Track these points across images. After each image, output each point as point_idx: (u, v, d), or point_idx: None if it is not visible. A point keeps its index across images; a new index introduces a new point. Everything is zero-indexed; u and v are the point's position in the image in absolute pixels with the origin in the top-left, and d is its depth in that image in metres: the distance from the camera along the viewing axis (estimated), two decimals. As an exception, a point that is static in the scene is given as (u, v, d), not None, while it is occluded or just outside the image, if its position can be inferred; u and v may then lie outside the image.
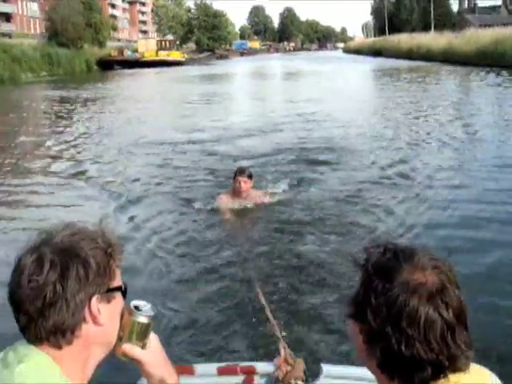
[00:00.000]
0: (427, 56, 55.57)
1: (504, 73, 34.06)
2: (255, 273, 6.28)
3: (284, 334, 3.42)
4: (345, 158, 12.82)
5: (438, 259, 1.49)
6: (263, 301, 3.66)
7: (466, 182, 10.44)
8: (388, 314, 1.42)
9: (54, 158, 15.03)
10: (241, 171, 8.81)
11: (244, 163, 11.79)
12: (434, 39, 60.93)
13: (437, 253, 1.52)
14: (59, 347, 1.52)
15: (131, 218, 8.97)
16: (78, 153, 15.65)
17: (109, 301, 1.58)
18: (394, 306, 1.41)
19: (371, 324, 1.44)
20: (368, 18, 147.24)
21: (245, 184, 8.62)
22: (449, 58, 49.14)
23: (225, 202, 8.84)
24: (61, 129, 20.46)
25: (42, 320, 1.49)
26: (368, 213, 8.55)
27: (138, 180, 11.78)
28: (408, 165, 11.87)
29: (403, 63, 54.55)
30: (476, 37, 48.60)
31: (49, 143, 17.24)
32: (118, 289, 1.62)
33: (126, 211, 9.42)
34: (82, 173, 12.94)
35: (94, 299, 1.54)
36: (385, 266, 1.46)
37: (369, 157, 12.75)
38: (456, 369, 1.42)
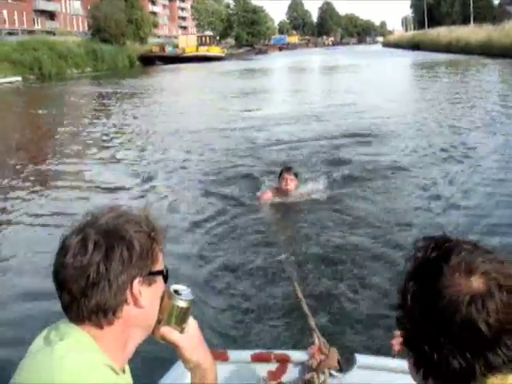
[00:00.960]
0: (466, 49, 55.47)
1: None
2: (294, 267, 6.30)
3: (318, 325, 3.37)
4: (387, 153, 12.66)
5: (491, 261, 1.34)
6: (299, 293, 3.64)
7: None
8: (421, 319, 1.35)
9: (102, 146, 15.88)
10: (287, 169, 8.85)
11: (284, 157, 12.19)
12: (472, 32, 60.62)
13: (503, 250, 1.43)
14: (100, 327, 1.55)
15: (174, 208, 9.17)
16: (122, 141, 16.56)
17: (150, 284, 1.60)
18: (427, 311, 1.34)
19: (406, 326, 1.41)
20: (408, 11, 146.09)
21: (291, 182, 8.68)
22: (487, 50, 49.06)
23: (269, 197, 8.83)
24: (111, 119, 21.51)
25: (84, 299, 1.52)
26: (418, 210, 8.39)
27: (179, 169, 12.13)
28: (457, 163, 11.48)
29: (441, 56, 54.53)
30: (515, 29, 48.52)
31: (99, 132, 18.22)
32: (160, 273, 1.63)
33: (168, 200, 9.65)
34: (124, 160, 13.53)
35: (135, 281, 1.56)
36: (425, 268, 1.38)
37: (414, 154, 12.51)
38: (498, 372, 1.32)
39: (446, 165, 11.27)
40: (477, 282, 1.30)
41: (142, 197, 10.01)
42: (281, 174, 8.78)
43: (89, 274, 1.51)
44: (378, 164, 11.36)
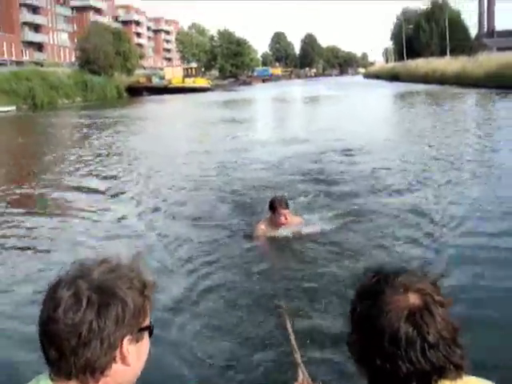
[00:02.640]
0: (441, 79, 57.66)
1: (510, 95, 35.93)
2: (285, 300, 6.08)
3: (304, 359, 3.36)
4: (369, 185, 12.23)
5: (423, 280, 1.53)
6: (289, 327, 3.62)
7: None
8: (371, 335, 1.49)
9: (85, 175, 15.89)
10: (281, 203, 8.36)
11: (270, 183, 12.30)
12: (448, 63, 63.21)
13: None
14: None
15: (163, 240, 8.88)
16: (106, 171, 16.51)
17: (138, 340, 1.58)
18: (375, 327, 1.48)
19: (357, 346, 1.54)
20: (389, 42, 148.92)
21: (287, 215, 8.35)
22: (461, 81, 51.28)
23: (263, 230, 8.51)
24: (98, 148, 22.05)
25: (74, 357, 1.48)
26: (398, 246, 8.12)
27: (166, 197, 11.97)
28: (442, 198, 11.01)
29: (418, 87, 56.56)
30: (487, 61, 51.01)
31: (84, 162, 18.47)
32: (147, 328, 1.62)
33: (157, 233, 9.33)
34: (108, 192, 13.21)
35: (126, 339, 1.53)
36: (369, 290, 1.54)
37: (394, 185, 12.15)
38: (444, 377, 1.48)
39: (432, 191, 11.26)
40: (413, 298, 1.49)
41: (129, 234, 9.53)
42: (273, 206, 8.32)
43: (81, 332, 1.47)
44: (365, 193, 11.32)
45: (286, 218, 8.32)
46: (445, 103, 35.50)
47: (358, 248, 7.98)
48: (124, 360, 1.54)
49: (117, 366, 1.53)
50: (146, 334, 1.61)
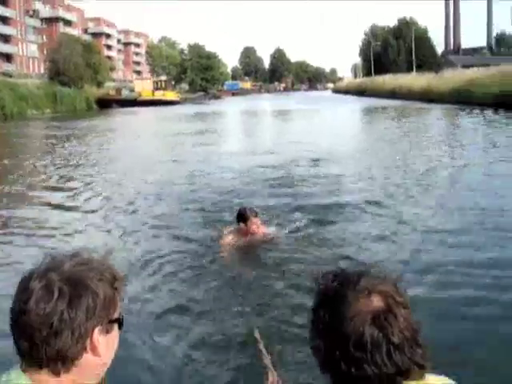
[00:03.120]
0: (408, 95, 58.80)
1: (475, 110, 36.98)
2: (255, 316, 6.10)
3: (274, 362, 3.33)
4: (335, 194, 12.46)
5: (384, 282, 1.53)
6: (257, 334, 3.67)
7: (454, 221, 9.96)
8: (336, 340, 1.47)
9: (54, 187, 15.67)
10: (252, 212, 8.35)
11: (234, 198, 12.11)
12: (414, 79, 64.50)
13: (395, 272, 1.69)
14: (57, 374, 1.54)
15: (129, 251, 8.76)
16: (75, 182, 16.34)
17: (108, 332, 1.61)
18: (340, 332, 1.47)
19: (321, 351, 1.52)
20: (357, 58, 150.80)
21: (259, 224, 8.34)
22: (426, 96, 52.44)
23: (230, 239, 8.42)
24: (66, 158, 22.03)
25: (45, 347, 1.51)
26: (376, 249, 8.32)
27: (134, 212, 11.76)
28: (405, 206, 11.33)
29: (385, 102, 57.64)
30: (451, 77, 52.38)
31: (51, 172, 18.38)
32: (117, 320, 1.64)
33: (124, 243, 9.23)
34: (76, 202, 13.16)
35: (96, 330, 1.56)
36: (330, 294, 1.52)
37: (359, 193, 12.41)
38: (408, 378, 1.48)
39: (395, 201, 11.52)
40: (376, 301, 1.48)
41: (96, 242, 9.52)
42: (244, 216, 8.25)
43: (52, 322, 1.49)
44: (328, 201, 11.51)
45: (254, 228, 8.23)
46: (409, 117, 36.44)
47: (325, 255, 8.06)
48: (94, 350, 1.57)
49: (87, 356, 1.57)
50: (115, 326, 1.64)
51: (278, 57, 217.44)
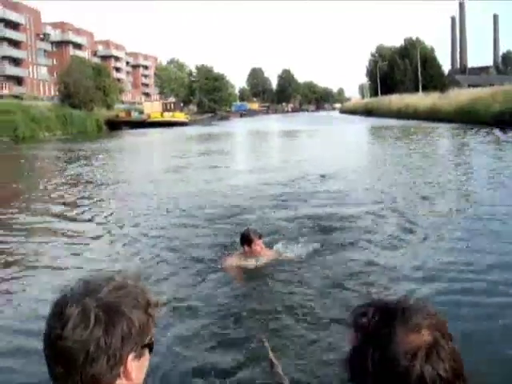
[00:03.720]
0: (414, 115, 59.37)
1: (481, 130, 37.21)
2: (264, 332, 5.93)
3: None
4: (346, 216, 12.24)
5: (431, 315, 1.47)
6: (273, 358, 3.60)
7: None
8: (389, 379, 1.41)
9: (64, 204, 16.21)
10: (256, 233, 8.36)
11: (239, 221, 11.90)
12: (421, 99, 65.03)
13: (431, 301, 1.65)
14: None
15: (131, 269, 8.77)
16: (85, 200, 16.89)
17: (140, 356, 1.61)
18: (395, 372, 1.40)
19: None
20: (364, 78, 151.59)
21: (262, 246, 8.35)
22: (433, 116, 53.00)
23: (233, 261, 8.44)
24: (78, 178, 22.60)
25: (81, 373, 1.51)
26: (374, 273, 8.23)
27: (141, 231, 11.81)
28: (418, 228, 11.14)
29: (391, 122, 58.16)
30: (456, 97, 52.99)
31: (63, 190, 19.01)
32: (149, 345, 1.65)
33: (131, 265, 9.24)
34: (83, 218, 13.61)
35: (130, 356, 1.57)
36: (378, 332, 1.45)
37: (371, 217, 12.16)
38: None
39: (404, 234, 10.99)
40: (427, 335, 1.43)
41: (97, 258, 9.89)
42: (249, 238, 8.26)
43: (88, 349, 1.51)
44: (335, 221, 11.50)
45: (258, 249, 8.23)
46: (414, 137, 36.89)
47: (332, 275, 8.06)
48: (128, 376, 1.58)
49: (120, 382, 1.57)
50: (147, 351, 1.64)
51: (286, 77, 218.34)
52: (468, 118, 43.70)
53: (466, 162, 22.83)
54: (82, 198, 17.51)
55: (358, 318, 1.50)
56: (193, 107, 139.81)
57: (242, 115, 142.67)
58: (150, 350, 1.66)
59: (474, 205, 13.28)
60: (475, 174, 18.91)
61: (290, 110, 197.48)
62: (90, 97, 72.88)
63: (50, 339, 1.53)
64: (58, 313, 1.54)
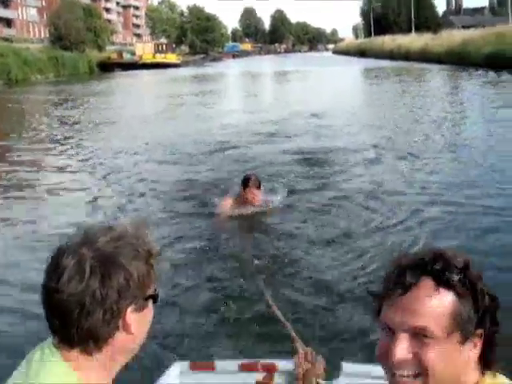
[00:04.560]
0: (406, 56, 59.39)
1: (473, 69, 38.07)
2: (262, 279, 6.03)
3: (302, 335, 3.33)
4: (339, 157, 12.33)
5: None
6: (274, 305, 3.56)
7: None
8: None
9: (61, 151, 15.76)
10: (253, 181, 8.26)
11: (235, 163, 11.93)
12: (413, 40, 64.76)
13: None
14: (89, 353, 1.52)
15: (125, 214, 8.73)
16: (82, 141, 17.14)
17: (142, 309, 1.57)
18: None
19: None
20: (358, 19, 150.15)
21: (257, 195, 8.28)
22: (424, 57, 53.09)
23: (231, 207, 8.38)
24: (73, 120, 22.78)
25: (77, 326, 1.48)
26: (369, 222, 8.19)
27: (132, 174, 11.68)
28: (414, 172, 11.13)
29: (383, 63, 58.31)
30: (449, 38, 52.91)
31: (58, 133, 19.06)
32: (152, 296, 1.61)
33: (122, 213, 9.03)
34: (75, 163, 13.39)
35: (129, 309, 1.53)
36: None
37: (365, 162, 12.07)
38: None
39: (401, 171, 11.24)
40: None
41: (88, 200, 9.91)
42: (246, 185, 8.23)
43: (84, 301, 1.47)
44: (329, 168, 11.42)
45: (255, 197, 8.24)
46: (406, 77, 37.44)
47: (325, 223, 8.12)
48: (127, 329, 1.54)
49: (120, 335, 1.54)
50: (150, 302, 1.61)
51: (278, 18, 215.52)
52: (459, 59, 43.88)
53: (459, 101, 23.45)
54: (70, 137, 17.82)
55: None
56: (185, 48, 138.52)
57: (234, 56, 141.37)
58: (154, 301, 1.63)
59: (468, 138, 14.01)
60: (468, 112, 19.56)
61: (282, 50, 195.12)
62: (81, 38, 72.26)
63: (46, 292, 1.51)
64: (55, 264, 1.51)
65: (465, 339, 1.42)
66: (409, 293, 1.42)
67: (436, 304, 1.41)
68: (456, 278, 1.41)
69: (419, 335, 1.41)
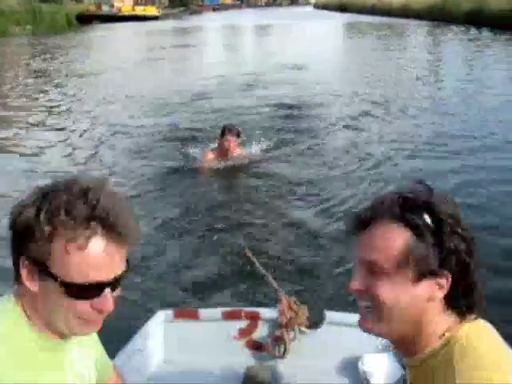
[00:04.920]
0: (388, 11, 58.97)
1: (453, 27, 38.26)
2: (243, 235, 6.12)
3: (282, 287, 3.36)
4: (318, 111, 12.46)
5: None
6: (253, 257, 3.57)
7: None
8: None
9: (39, 107, 15.50)
10: (229, 129, 8.37)
11: (216, 116, 11.93)
12: (394, -4, 64.54)
13: None
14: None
15: (105, 173, 8.63)
16: (63, 94, 17.02)
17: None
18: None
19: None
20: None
21: (233, 143, 8.31)
22: (406, 13, 52.91)
23: (211, 160, 8.45)
24: (54, 74, 22.70)
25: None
26: (349, 174, 8.37)
27: (113, 134, 11.50)
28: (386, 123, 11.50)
29: (364, 18, 58.26)
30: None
31: (39, 89, 18.73)
32: None
33: (103, 168, 9.07)
34: (59, 125, 12.86)
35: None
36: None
37: (344, 115, 12.21)
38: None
39: (380, 123, 11.52)
40: None
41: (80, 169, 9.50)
42: (222, 135, 8.40)
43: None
44: (310, 124, 11.42)
45: (230, 144, 8.32)
46: (387, 32, 37.64)
47: (302, 175, 8.29)
48: None
49: None
50: None
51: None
52: (439, 15, 43.90)
53: (438, 58, 24.01)
54: (49, 90, 17.88)
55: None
56: (164, 1, 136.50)
57: (214, 9, 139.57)
58: None
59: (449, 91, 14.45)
60: (447, 69, 19.97)
61: (263, 4, 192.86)
62: (59, -11, 71.13)
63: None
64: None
65: (420, 277, 1.44)
66: (367, 229, 1.50)
67: (388, 239, 1.45)
68: (413, 216, 1.44)
69: (373, 269, 1.47)
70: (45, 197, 1.46)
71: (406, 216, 1.45)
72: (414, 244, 1.43)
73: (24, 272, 1.46)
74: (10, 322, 1.47)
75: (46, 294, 1.47)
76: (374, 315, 1.49)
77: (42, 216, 1.42)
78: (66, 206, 1.43)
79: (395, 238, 1.45)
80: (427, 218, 1.45)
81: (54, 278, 1.44)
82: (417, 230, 1.44)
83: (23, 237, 1.44)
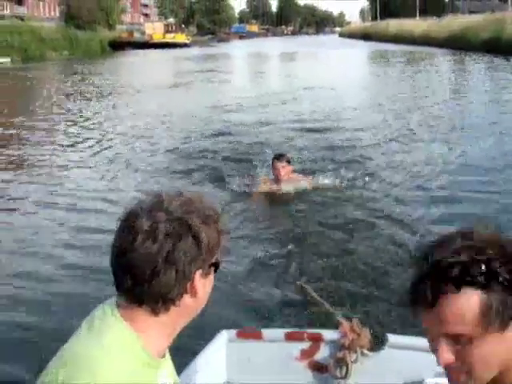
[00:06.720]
0: (410, 40, 60.42)
1: (471, 54, 39.44)
2: (297, 263, 5.99)
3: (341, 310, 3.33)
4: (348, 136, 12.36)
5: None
6: (306, 286, 3.58)
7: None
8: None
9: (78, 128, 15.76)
10: (278, 157, 8.23)
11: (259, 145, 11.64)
12: (417, 25, 66.12)
13: None
14: (156, 314, 1.56)
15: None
16: (97, 114, 17.60)
17: (207, 275, 1.60)
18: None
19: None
20: (365, 2, 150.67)
21: (283, 169, 8.07)
22: (427, 41, 54.30)
23: (265, 187, 8.32)
24: (90, 96, 23.78)
25: (148, 286, 1.51)
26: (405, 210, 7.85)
27: (156, 154, 11.56)
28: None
29: (387, 46, 59.39)
30: (451, 23, 54.33)
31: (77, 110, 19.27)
32: (216, 264, 1.62)
33: (152, 188, 8.72)
34: (99, 147, 12.84)
35: (198, 273, 1.56)
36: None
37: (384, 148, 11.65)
38: None
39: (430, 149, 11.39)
40: None
41: (114, 184, 9.68)
42: (273, 163, 8.24)
43: (157, 262, 1.50)
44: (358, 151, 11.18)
45: (280, 171, 8.06)
46: (408, 59, 38.89)
47: (360, 202, 8.07)
48: (194, 293, 1.57)
49: (186, 298, 1.57)
50: (213, 270, 1.63)
51: (286, 0, 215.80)
52: (459, 44, 45.32)
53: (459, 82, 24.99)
54: (87, 111, 18.52)
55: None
56: (192, 29, 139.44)
57: (241, 37, 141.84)
58: (215, 270, 1.65)
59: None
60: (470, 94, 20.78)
61: (289, 33, 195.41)
62: (93, 17, 73.84)
63: (119, 251, 1.55)
64: (129, 226, 1.54)
65: (506, 321, 1.40)
66: (437, 305, 1.39)
67: (462, 308, 1.38)
68: (477, 274, 1.37)
69: (459, 339, 1.40)
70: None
71: (469, 278, 1.37)
72: (488, 300, 1.37)
73: (197, 282, 1.58)
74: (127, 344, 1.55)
75: (207, 286, 1.64)
76: (467, 375, 1.43)
77: (220, 230, 1.64)
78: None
79: (469, 304, 1.38)
80: (489, 270, 1.38)
81: (215, 264, 1.64)
82: (484, 285, 1.38)
83: (211, 251, 1.60)
